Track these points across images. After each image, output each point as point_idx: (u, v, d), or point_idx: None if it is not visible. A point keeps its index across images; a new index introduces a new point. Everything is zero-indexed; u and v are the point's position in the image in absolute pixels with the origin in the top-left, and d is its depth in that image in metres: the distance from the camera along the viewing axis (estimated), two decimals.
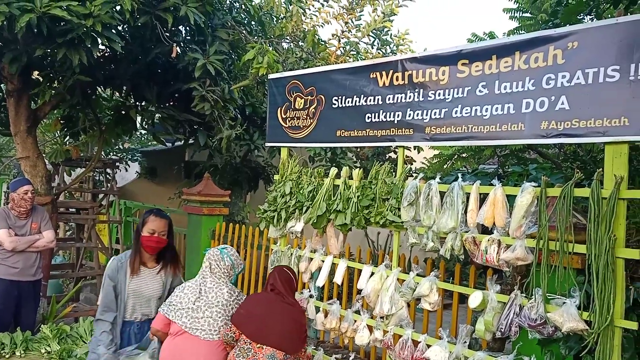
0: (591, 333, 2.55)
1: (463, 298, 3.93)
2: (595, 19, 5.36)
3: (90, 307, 6.96)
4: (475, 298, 3.06)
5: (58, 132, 7.96)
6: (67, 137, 7.94)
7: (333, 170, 4.07)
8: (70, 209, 8.08)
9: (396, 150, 3.97)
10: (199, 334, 3.37)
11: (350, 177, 3.94)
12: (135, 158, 11.68)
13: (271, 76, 4.63)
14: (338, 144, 4.26)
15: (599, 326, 2.50)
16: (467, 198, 3.18)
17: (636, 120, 2.49)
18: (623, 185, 2.53)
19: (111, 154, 11.39)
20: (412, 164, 9.50)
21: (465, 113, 3.23)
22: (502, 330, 2.88)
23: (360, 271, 3.89)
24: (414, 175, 3.61)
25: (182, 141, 7.95)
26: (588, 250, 2.59)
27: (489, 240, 3.00)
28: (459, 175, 3.31)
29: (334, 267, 4.14)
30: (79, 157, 8.31)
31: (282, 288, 3.57)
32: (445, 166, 8.32)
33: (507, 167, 6.68)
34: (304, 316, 3.69)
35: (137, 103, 7.09)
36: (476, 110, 3.17)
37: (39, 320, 5.47)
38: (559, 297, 2.72)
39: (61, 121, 7.32)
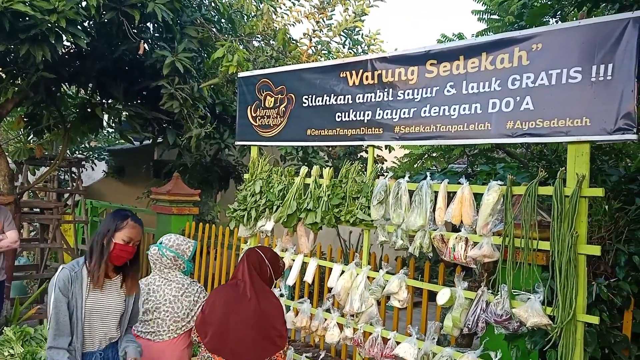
0: (554, 328, 2.61)
1: (433, 296, 3.98)
2: (560, 22, 5.49)
3: None
4: (443, 295, 3.10)
5: (21, 130, 7.75)
6: (31, 136, 7.75)
7: (303, 170, 4.07)
8: (34, 209, 7.87)
9: (367, 149, 4.00)
10: (150, 337, 3.25)
11: (321, 176, 3.95)
12: (102, 157, 11.47)
13: (241, 74, 4.60)
14: (308, 143, 4.26)
15: (562, 321, 2.57)
16: (436, 197, 3.22)
17: (597, 121, 2.56)
18: (585, 183, 2.60)
19: (77, 152, 11.15)
20: (383, 164, 9.57)
21: (434, 113, 3.27)
22: (470, 326, 2.93)
23: (330, 270, 3.90)
24: (385, 174, 3.63)
25: (151, 140, 7.84)
26: (552, 247, 2.66)
27: (456, 237, 3.05)
28: (428, 174, 3.35)
29: (304, 266, 4.15)
30: (43, 156, 8.11)
31: (248, 276, 3.06)
32: (415, 165, 8.41)
33: (475, 166, 6.80)
34: (277, 311, 3.05)
35: (104, 100, 6.96)
36: (444, 110, 3.21)
37: (2, 323, 5.32)
38: (524, 292, 2.78)
39: (24, 119, 7.13)
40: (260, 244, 4.44)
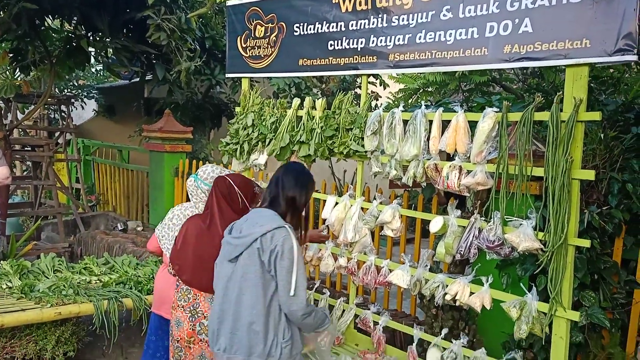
0: (546, 252, 2.64)
1: (426, 234, 4.01)
2: None
3: (52, 245, 6.87)
4: (436, 222, 3.11)
5: (7, 66, 7.55)
6: (17, 72, 7.55)
7: (296, 101, 3.99)
8: (26, 147, 7.80)
9: (361, 85, 3.90)
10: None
11: (314, 108, 3.88)
12: (92, 95, 11.25)
13: (230, 2, 4.43)
14: (300, 74, 4.16)
15: (553, 245, 2.59)
16: (430, 126, 3.18)
17: (597, 42, 2.48)
18: (582, 107, 2.55)
19: (66, 91, 10.93)
20: (377, 100, 9.45)
21: (429, 39, 3.16)
22: (462, 252, 2.96)
23: (324, 202, 3.90)
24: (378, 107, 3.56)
25: (140, 75, 7.65)
26: (545, 172, 2.64)
27: (450, 166, 3.02)
28: (423, 103, 3.29)
29: None
30: (31, 93, 7.95)
31: (216, 206, 3.02)
32: (410, 100, 8.29)
33: (471, 101, 6.71)
34: None
35: (89, 33, 6.74)
36: (440, 35, 3.11)
37: None
38: (516, 219, 2.79)
39: (9, 54, 6.92)
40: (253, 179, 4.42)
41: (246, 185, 3.14)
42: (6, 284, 4.43)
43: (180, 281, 3.05)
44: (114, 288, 4.60)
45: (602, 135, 3.54)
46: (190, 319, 2.99)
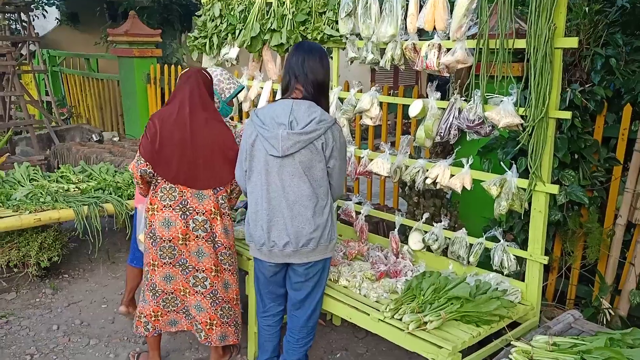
0: (526, 127, 2.58)
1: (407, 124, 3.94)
2: None
3: (27, 158, 6.71)
4: (415, 106, 3.03)
5: None
6: None
7: None
8: None
9: None
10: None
11: None
12: (52, 2, 10.59)
13: None
14: None
15: (535, 118, 2.53)
16: (407, 4, 3.00)
17: None
18: None
19: None
20: None
21: None
22: (442, 134, 2.90)
23: None
24: None
25: None
26: (527, 43, 2.53)
27: (429, 45, 2.89)
28: None
29: (274, 92, 4.00)
30: None
31: (199, 99, 2.96)
32: None
33: None
34: (228, 132, 3.00)
35: None
36: None
37: None
38: (497, 96, 2.71)
39: None
40: None
41: (208, 74, 3.11)
42: None
43: (159, 181, 2.94)
44: (93, 194, 4.54)
45: (586, 9, 3.39)
46: (182, 216, 2.94)
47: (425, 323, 2.55)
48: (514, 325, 2.78)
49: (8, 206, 4.18)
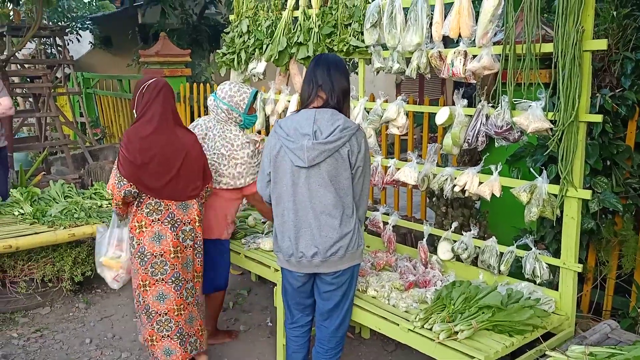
0: (556, 131, 2.54)
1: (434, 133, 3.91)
2: None
3: (62, 177, 6.88)
4: (442, 113, 3.01)
5: None
6: (7, 2, 7.31)
7: (291, 1, 3.80)
8: (24, 80, 7.68)
9: None
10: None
11: (310, 6, 3.69)
12: (86, 26, 10.96)
13: None
14: None
15: (564, 122, 2.49)
16: (433, 12, 3.01)
17: None
18: None
19: (60, 23, 10.65)
20: None
21: None
22: (469, 141, 2.88)
23: None
24: None
25: None
26: (555, 47, 2.50)
27: (455, 52, 2.88)
28: None
29: None
30: (23, 25, 7.72)
31: (171, 113, 3.01)
32: None
33: None
34: (197, 143, 3.11)
35: None
36: None
37: (10, 189, 5.39)
38: (525, 101, 2.68)
39: None
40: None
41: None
42: (18, 211, 4.47)
43: (143, 197, 2.97)
44: None
45: (614, 14, 3.34)
46: (172, 229, 3.00)
47: (456, 333, 2.50)
48: (547, 336, 2.70)
49: (43, 222, 4.29)
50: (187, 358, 3.13)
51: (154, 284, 3.02)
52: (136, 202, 2.99)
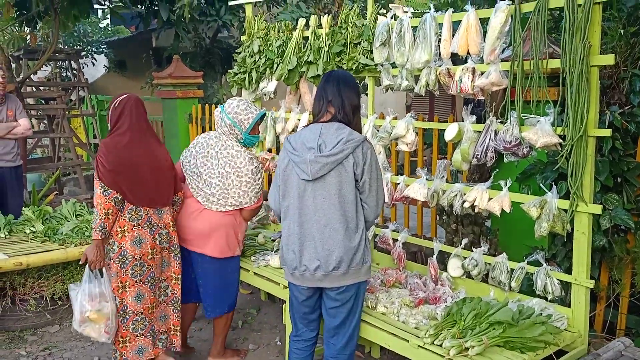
0: (565, 146, 2.55)
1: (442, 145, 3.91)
2: None
3: (75, 197, 6.95)
4: (451, 129, 3.03)
5: (14, 21, 7.49)
6: (24, 26, 7.50)
7: (301, 21, 3.87)
8: (39, 101, 7.83)
9: None
10: (200, 200, 3.33)
11: (320, 26, 3.76)
12: (101, 50, 11.18)
13: None
14: None
15: (573, 137, 2.50)
16: (441, 30, 3.05)
17: None
18: None
19: (75, 47, 10.88)
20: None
21: None
22: (479, 156, 2.89)
23: None
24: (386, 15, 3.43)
25: (144, 17, 7.47)
26: (562, 63, 2.52)
27: (463, 69, 2.91)
28: (432, 5, 3.15)
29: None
30: (39, 48, 7.91)
31: (145, 124, 3.24)
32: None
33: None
34: (165, 153, 3.30)
35: None
36: None
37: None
38: (534, 116, 2.69)
39: (13, 7, 6.85)
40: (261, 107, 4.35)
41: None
42: (30, 229, 4.50)
43: (125, 205, 3.10)
44: None
45: (622, 32, 3.36)
46: (150, 232, 3.19)
47: (467, 349, 2.48)
48: (560, 353, 2.66)
49: (54, 240, 4.32)
50: (158, 353, 3.30)
51: (133, 284, 3.18)
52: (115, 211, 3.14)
